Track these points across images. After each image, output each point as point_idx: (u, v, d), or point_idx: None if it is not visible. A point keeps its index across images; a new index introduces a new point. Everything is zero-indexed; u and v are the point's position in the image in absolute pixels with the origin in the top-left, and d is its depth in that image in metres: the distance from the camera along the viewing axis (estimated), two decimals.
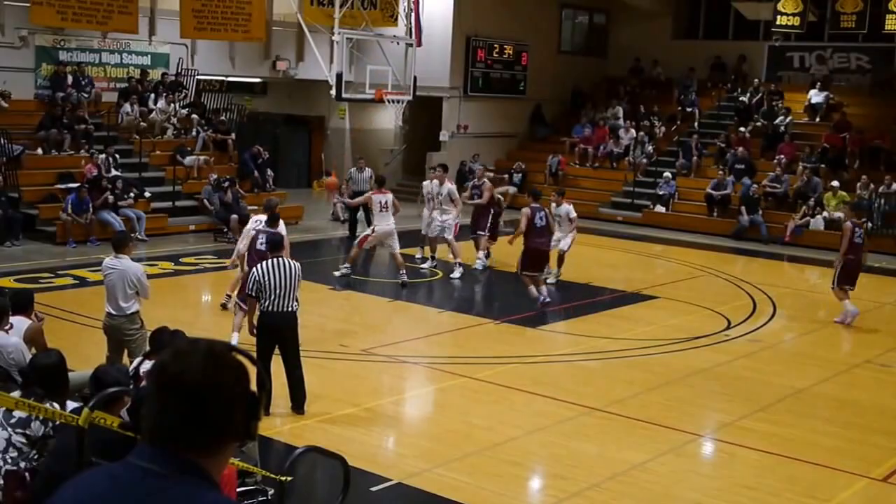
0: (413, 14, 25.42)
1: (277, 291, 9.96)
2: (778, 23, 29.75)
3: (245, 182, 23.89)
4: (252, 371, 2.41)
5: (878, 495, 9.36)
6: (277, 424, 9.74)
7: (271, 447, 8.85)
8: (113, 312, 10.10)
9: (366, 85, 23.89)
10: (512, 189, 27.75)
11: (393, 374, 12.47)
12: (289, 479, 5.83)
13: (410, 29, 25.28)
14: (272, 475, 6.12)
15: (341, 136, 31.23)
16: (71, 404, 6.05)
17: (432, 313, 15.75)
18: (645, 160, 29.35)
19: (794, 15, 29.81)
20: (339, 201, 23.96)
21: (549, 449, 9.92)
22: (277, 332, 10.08)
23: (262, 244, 11.81)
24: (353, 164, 23.85)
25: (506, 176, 29.32)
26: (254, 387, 2.40)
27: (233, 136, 25.33)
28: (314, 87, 27.00)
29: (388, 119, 28.30)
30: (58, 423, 5.64)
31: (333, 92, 23.18)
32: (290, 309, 10.07)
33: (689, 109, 30.85)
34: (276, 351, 10.17)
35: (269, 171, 24.88)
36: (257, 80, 30.23)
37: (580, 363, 13.15)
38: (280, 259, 10.19)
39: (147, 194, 21.61)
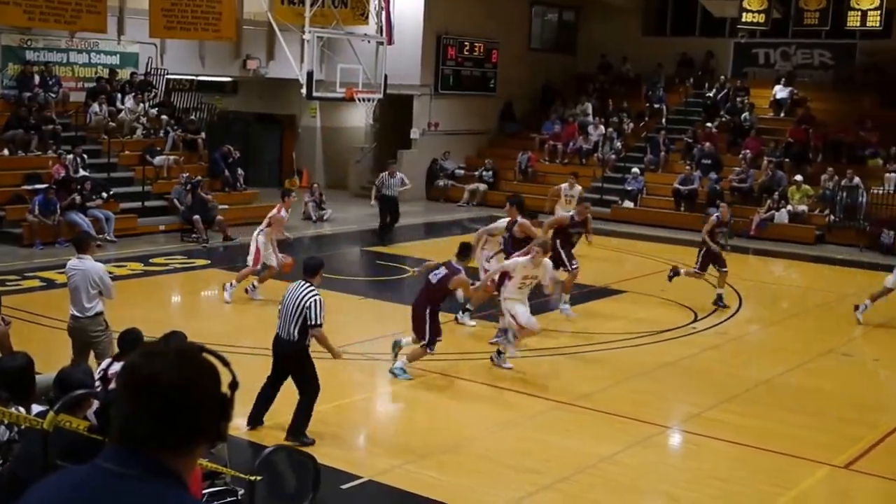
0: (384, 12, 25.47)
1: (281, 315, 9.58)
2: (743, 20, 29.99)
3: (216, 181, 23.91)
4: (224, 372, 2.45)
5: (840, 482, 9.57)
6: (245, 423, 9.78)
7: (241, 447, 8.90)
8: (77, 314, 10.05)
9: (336, 83, 23.97)
10: (482, 187, 27.89)
11: (364, 372, 12.56)
12: (258, 478, 5.88)
13: (381, 27, 25.33)
14: (242, 475, 6.15)
15: (312, 135, 31.28)
16: (36, 408, 5.99)
17: (403, 310, 15.81)
18: (613, 156, 29.58)
19: (759, 12, 30.06)
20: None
21: (519, 443, 10.05)
22: (277, 359, 9.67)
23: None
24: (386, 168, 22.93)
25: (475, 173, 29.50)
26: (225, 388, 2.44)
27: (203, 135, 25.31)
28: (285, 85, 27.02)
29: (359, 117, 28.34)
30: (23, 427, 5.59)
31: (304, 91, 23.21)
32: (286, 337, 9.47)
33: (656, 105, 31.09)
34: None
35: (240, 171, 24.88)
36: (228, 79, 30.21)
37: (549, 358, 13.29)
38: (297, 282, 9.72)
39: (104, 195, 21.19)
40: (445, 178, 29.70)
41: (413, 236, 21.53)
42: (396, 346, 12.01)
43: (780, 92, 29.77)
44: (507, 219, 14.91)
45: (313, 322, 9.26)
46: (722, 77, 31.21)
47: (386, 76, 24.77)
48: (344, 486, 8.61)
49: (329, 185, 29.32)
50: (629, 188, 27.56)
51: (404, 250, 20.76)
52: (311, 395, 9.41)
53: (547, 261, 12.63)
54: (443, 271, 11.85)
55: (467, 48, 30.80)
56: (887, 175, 25.52)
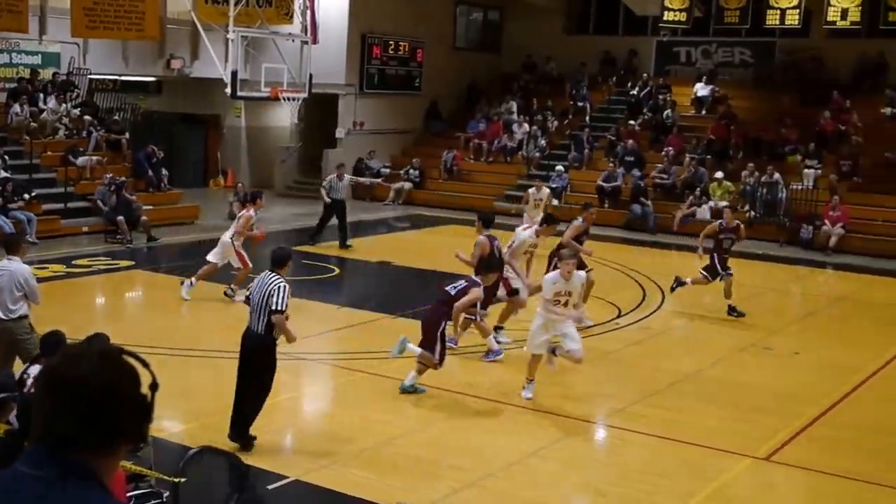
0: (308, 11, 25.37)
1: (251, 307, 9.45)
2: (665, 18, 30.49)
3: (139, 182, 23.63)
4: (144, 374, 2.46)
5: (761, 473, 9.76)
6: (173, 426, 9.73)
7: (166, 449, 8.77)
8: (2, 316, 9.93)
9: (261, 83, 23.81)
10: (408, 185, 27.96)
11: (290, 371, 12.47)
12: (182, 480, 5.84)
13: (306, 26, 25.23)
14: (166, 477, 6.10)
15: (237, 135, 31.05)
16: None
17: (330, 310, 15.84)
18: (538, 154, 29.86)
19: (680, 11, 30.58)
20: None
21: (445, 440, 10.11)
22: (244, 353, 9.45)
23: None
24: (335, 170, 22.59)
25: (401, 172, 29.54)
26: (146, 389, 2.46)
27: (126, 135, 24.98)
28: (209, 85, 26.77)
29: (285, 116, 28.20)
30: None
31: (229, 90, 23.04)
32: (255, 330, 9.32)
33: (580, 104, 31.44)
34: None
35: (164, 171, 24.61)
36: (151, 79, 29.84)
37: (475, 355, 13.38)
38: (265, 273, 9.55)
39: (26, 196, 20.70)
40: (371, 176, 29.64)
41: (334, 236, 21.45)
42: (402, 346, 11.58)
43: (702, 90, 30.30)
44: (528, 228, 14.67)
45: (275, 307, 9.10)
46: (645, 75, 31.66)
47: (311, 75, 24.69)
48: (270, 487, 8.59)
49: (254, 184, 29.01)
50: (553, 185, 27.71)
51: (330, 250, 20.72)
52: (263, 396, 9.33)
53: (580, 273, 11.80)
54: (462, 283, 11.62)
55: (392, 47, 30.83)
56: (806, 171, 26.14)
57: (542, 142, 30.12)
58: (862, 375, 13.31)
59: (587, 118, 31.05)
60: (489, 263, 12.79)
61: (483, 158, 30.49)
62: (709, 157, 27.47)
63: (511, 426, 10.56)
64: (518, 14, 34.50)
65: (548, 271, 13.20)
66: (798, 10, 29.07)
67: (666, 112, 29.75)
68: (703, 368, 13.20)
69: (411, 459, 9.50)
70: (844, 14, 28.88)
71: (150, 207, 22.51)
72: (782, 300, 17.53)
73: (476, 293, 11.58)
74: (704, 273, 16.18)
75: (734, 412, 11.37)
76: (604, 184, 27.00)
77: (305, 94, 24.71)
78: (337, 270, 18.55)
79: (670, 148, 27.70)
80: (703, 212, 25.46)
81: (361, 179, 24.05)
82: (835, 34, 29.75)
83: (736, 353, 14.13)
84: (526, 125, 30.58)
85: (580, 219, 15.87)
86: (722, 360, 13.71)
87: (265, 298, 9.16)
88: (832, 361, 14.06)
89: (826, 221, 23.95)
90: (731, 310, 16.10)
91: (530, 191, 21.66)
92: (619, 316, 15.97)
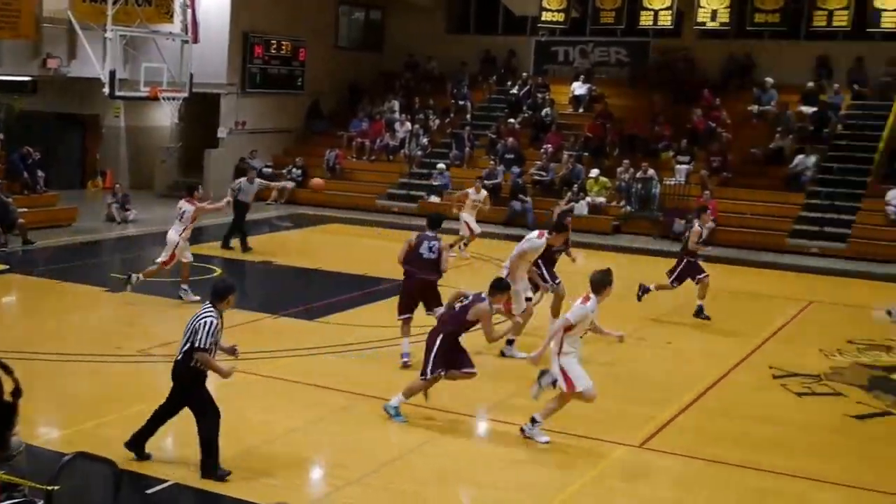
0: (189, 10, 25.13)
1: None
2: (543, 19, 31.06)
3: (15, 184, 23.07)
4: (7, 380, 2.53)
5: (635, 461, 10.07)
6: (48, 433, 9.60)
7: (41, 456, 8.55)
8: None
9: (141, 82, 23.50)
10: (290, 185, 27.85)
11: (170, 374, 12.44)
12: (56, 488, 5.79)
13: (186, 25, 24.98)
14: (39, 486, 6.03)
15: (116, 135, 30.45)
16: None
17: None
18: (420, 152, 30.12)
19: (558, 11, 31.22)
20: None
21: (327, 438, 10.19)
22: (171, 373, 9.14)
23: None
24: (245, 172, 22.53)
25: (283, 171, 29.44)
26: (8, 396, 2.53)
27: (1, 136, 24.38)
28: (87, 85, 26.18)
29: (165, 116, 27.83)
30: None
31: (107, 90, 22.70)
32: (178, 357, 9.01)
33: (461, 102, 31.78)
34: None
35: (40, 173, 24.07)
36: (27, 78, 29.04)
37: (357, 352, 13.48)
38: (204, 304, 9.19)
39: None
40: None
41: (220, 235, 21.31)
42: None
43: (579, 89, 30.91)
44: (538, 236, 13.77)
45: (198, 344, 8.81)
46: (524, 74, 32.15)
47: (192, 75, 24.47)
48: (149, 491, 8.56)
49: (134, 185, 28.67)
50: (435, 183, 28.15)
51: (212, 251, 20.57)
52: (207, 423, 8.94)
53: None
54: (469, 301, 10.92)
55: (274, 46, 30.67)
56: (678, 167, 26.98)
57: (424, 140, 30.38)
58: (732, 363, 13.85)
59: (468, 117, 31.40)
60: (407, 259, 12.64)
61: (366, 157, 30.60)
62: (586, 154, 28.10)
63: (392, 422, 10.60)
64: (400, 14, 34.68)
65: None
66: (670, 11, 29.98)
67: (545, 110, 30.30)
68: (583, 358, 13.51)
69: (291, 458, 9.53)
70: (714, 15, 29.86)
71: (26, 210, 21.98)
72: (656, 293, 17.95)
73: (482, 310, 10.72)
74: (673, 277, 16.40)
75: (607, 401, 11.57)
76: (485, 181, 27.33)
77: (186, 94, 24.48)
78: (219, 271, 18.43)
79: (549, 145, 28.24)
80: (581, 207, 26.06)
81: (273, 184, 23.70)
82: (705, 35, 30.71)
83: (611, 344, 14.41)
84: (408, 124, 30.80)
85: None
86: (598, 350, 14.01)
87: (191, 332, 8.88)
88: (704, 350, 14.58)
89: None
90: (699, 311, 16.30)
91: (469, 191, 21.79)
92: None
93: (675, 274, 16.48)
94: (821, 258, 23.48)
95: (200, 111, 29.06)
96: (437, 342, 10.65)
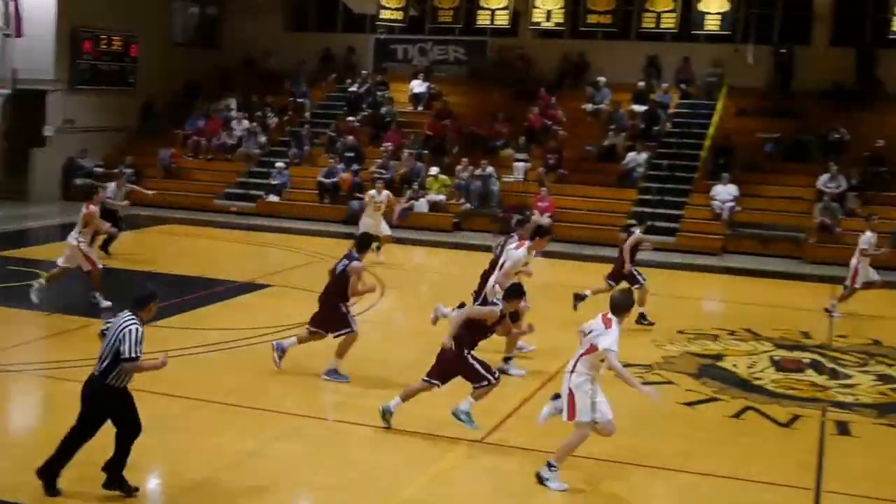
0: (12, 3, 24.10)
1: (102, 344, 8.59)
2: (382, 17, 31.12)
3: None
4: None
5: (477, 455, 10.16)
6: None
7: None
8: None
9: None
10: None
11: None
12: None
13: (9, 19, 23.94)
14: None
15: None
16: None
17: (39, 317, 15.13)
18: (258, 151, 29.73)
19: (397, 9, 31.39)
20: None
21: (162, 445, 9.84)
22: (81, 393, 8.57)
23: None
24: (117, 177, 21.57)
25: (116, 171, 28.48)
26: None
27: None
28: None
29: None
30: None
31: None
32: (94, 371, 8.49)
33: (300, 100, 31.53)
34: None
35: None
36: None
37: (196, 356, 13.17)
38: (125, 312, 8.60)
39: None
40: (84, 176, 28.42)
41: (49, 238, 20.51)
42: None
43: (418, 87, 31.06)
44: (520, 246, 13.36)
45: (125, 354, 8.30)
46: (364, 72, 32.09)
47: (15, 70, 23.48)
48: None
49: None
50: (274, 182, 27.83)
51: (39, 253, 19.76)
52: (124, 442, 8.53)
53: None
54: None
55: (105, 42, 29.74)
56: (516, 164, 27.42)
57: (262, 139, 30.01)
58: (568, 355, 14.06)
59: (307, 115, 31.17)
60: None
61: (202, 156, 30.00)
62: (426, 152, 28.24)
63: (229, 426, 10.46)
64: (237, 10, 34.12)
65: None
66: (507, 11, 30.55)
67: (384, 108, 30.34)
68: (422, 356, 13.53)
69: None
70: (549, 16, 30.60)
71: None
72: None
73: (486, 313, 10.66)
74: (610, 281, 16.37)
75: (452, 399, 11.74)
76: (324, 179, 27.22)
77: (9, 91, 23.51)
78: (46, 275, 17.72)
79: (389, 143, 28.26)
80: (421, 205, 26.19)
81: (140, 189, 22.50)
82: (541, 34, 31.37)
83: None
84: (246, 122, 30.37)
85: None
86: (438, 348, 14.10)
87: (115, 343, 8.35)
88: (540, 344, 14.78)
89: (535, 211, 25.15)
90: (641, 317, 16.32)
91: (371, 193, 21.54)
92: None
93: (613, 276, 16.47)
94: (653, 252, 24.17)
95: (25, 109, 27.86)
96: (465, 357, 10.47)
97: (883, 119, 27.42)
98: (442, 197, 26.58)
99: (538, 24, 30.84)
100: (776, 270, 22.34)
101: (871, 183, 25.15)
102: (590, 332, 9.31)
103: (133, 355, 8.29)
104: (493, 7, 30.90)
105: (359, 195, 26.56)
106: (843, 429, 10.46)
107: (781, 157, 26.89)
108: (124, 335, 8.33)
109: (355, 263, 12.09)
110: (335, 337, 12.32)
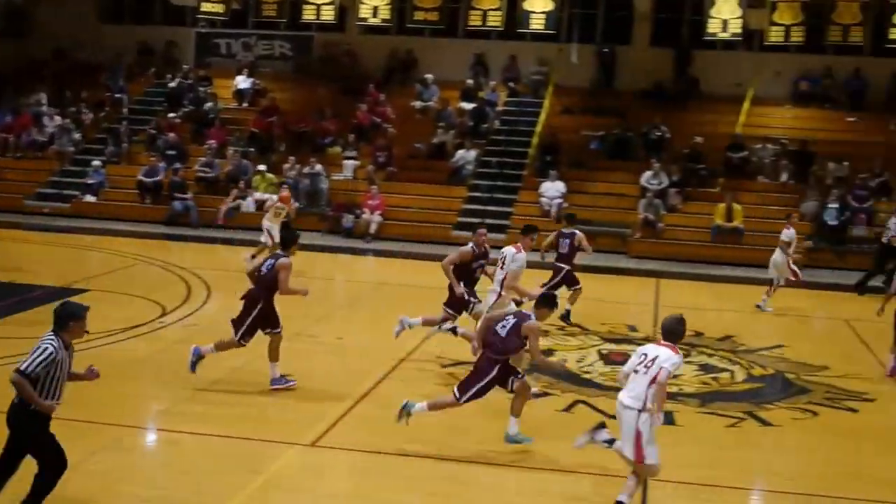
0: None
1: None
2: (203, 10, 30.25)
3: None
4: None
5: (308, 459, 9.90)
6: None
7: None
8: None
9: None
10: None
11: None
12: None
13: None
14: None
15: None
16: None
17: None
18: (72, 148, 28.55)
19: (218, 2, 30.53)
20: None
21: None
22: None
23: None
24: None
25: None
26: None
27: None
28: None
29: None
30: None
31: None
32: (15, 399, 7.80)
33: (117, 95, 30.38)
34: None
35: None
36: None
37: (7, 367, 12.32)
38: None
39: None
40: None
41: None
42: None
43: (243, 82, 30.42)
44: (516, 251, 13.17)
45: (21, 366, 7.61)
46: (185, 67, 31.13)
47: None
48: None
49: None
50: (90, 181, 26.70)
51: None
52: (48, 473, 7.84)
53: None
54: (511, 320, 10.03)
55: None
56: (346, 162, 27.11)
57: (77, 135, 28.80)
58: (401, 356, 13.87)
59: (125, 110, 30.06)
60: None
61: (10, 154, 28.58)
62: (252, 149, 27.59)
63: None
64: None
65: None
66: (333, 6, 30.21)
67: (207, 104, 29.51)
68: (253, 360, 13.08)
69: None
70: (375, 12, 30.44)
71: None
72: (327, 288, 17.88)
73: (532, 327, 9.98)
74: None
75: (280, 400, 11.45)
76: (145, 178, 26.24)
77: None
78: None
79: (213, 141, 27.48)
80: (248, 204, 25.57)
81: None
82: (367, 30, 31.14)
83: (285, 343, 14.14)
84: (58, 118, 29.08)
85: (470, 243, 13.79)
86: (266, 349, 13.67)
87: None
88: (374, 344, 14.55)
89: (365, 210, 24.91)
90: (566, 315, 16.28)
91: (273, 197, 20.58)
92: (163, 314, 15.51)
93: (553, 283, 16.36)
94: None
95: None
96: (496, 369, 10.00)
97: (700, 117, 28.38)
98: (269, 195, 25.91)
99: (365, 19, 30.62)
100: (602, 266, 22.70)
101: (689, 180, 25.94)
102: (655, 359, 8.58)
103: (26, 370, 7.72)
104: (319, 2, 30.46)
105: (181, 195, 25.70)
106: (668, 419, 10.57)
107: (606, 154, 27.47)
108: (33, 350, 7.85)
109: (283, 259, 11.88)
110: (266, 334, 11.97)
